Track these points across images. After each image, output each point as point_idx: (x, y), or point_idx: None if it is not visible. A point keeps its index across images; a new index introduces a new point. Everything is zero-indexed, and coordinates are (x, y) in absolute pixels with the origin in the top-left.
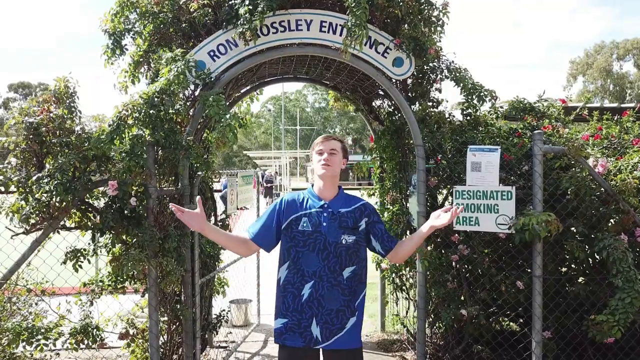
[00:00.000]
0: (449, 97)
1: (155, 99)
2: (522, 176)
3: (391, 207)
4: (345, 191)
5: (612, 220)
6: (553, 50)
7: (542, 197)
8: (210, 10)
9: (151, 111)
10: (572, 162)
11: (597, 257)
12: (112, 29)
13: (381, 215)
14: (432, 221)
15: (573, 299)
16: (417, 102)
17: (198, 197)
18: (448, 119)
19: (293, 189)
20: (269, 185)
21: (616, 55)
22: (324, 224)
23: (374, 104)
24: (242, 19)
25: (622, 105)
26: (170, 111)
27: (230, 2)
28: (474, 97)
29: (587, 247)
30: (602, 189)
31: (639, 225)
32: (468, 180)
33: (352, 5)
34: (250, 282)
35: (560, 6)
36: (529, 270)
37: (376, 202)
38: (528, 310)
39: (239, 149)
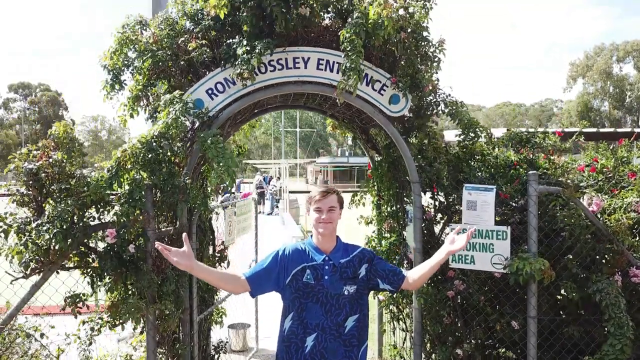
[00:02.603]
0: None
1: (154, 144)
2: (517, 210)
3: (389, 236)
4: (346, 242)
5: (606, 258)
6: (551, 51)
7: (537, 237)
8: (208, 50)
9: (149, 155)
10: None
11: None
12: (111, 66)
13: (379, 244)
14: (448, 246)
15: (567, 340)
16: (413, 136)
17: (184, 235)
18: (444, 147)
19: (291, 192)
20: (259, 191)
21: (616, 58)
22: (326, 277)
23: (371, 132)
24: (239, 59)
25: (619, 131)
26: (168, 154)
27: (228, 41)
28: (469, 132)
29: (581, 287)
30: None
31: (633, 264)
32: (464, 219)
33: (348, 48)
34: (248, 306)
35: (559, 6)
36: (524, 309)
37: (373, 231)
38: (523, 349)
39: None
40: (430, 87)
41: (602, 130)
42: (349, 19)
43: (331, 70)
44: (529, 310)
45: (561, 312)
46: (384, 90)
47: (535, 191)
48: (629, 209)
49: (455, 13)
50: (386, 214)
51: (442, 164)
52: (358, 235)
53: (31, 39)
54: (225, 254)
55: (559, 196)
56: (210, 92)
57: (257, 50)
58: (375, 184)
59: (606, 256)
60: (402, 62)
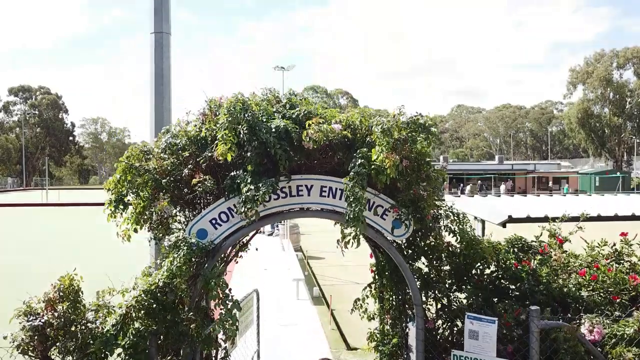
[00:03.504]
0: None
1: (158, 294)
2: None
3: (391, 334)
4: None
5: None
6: (554, 50)
7: None
8: (212, 183)
9: (154, 305)
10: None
11: None
12: (116, 194)
13: (381, 343)
14: None
15: None
16: (416, 253)
17: None
18: (446, 246)
19: None
20: None
21: (616, 64)
22: None
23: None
24: (244, 197)
25: (619, 214)
26: (172, 298)
27: (233, 174)
28: (470, 249)
29: None
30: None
31: None
32: (466, 347)
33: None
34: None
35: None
36: None
37: (376, 328)
38: None
39: None
40: (432, 214)
41: (602, 214)
42: (352, 160)
43: (334, 197)
44: None
45: None
46: (386, 215)
47: (537, 327)
48: (632, 343)
49: (455, 12)
50: (388, 307)
51: (444, 263)
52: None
53: (31, 39)
54: None
55: (560, 329)
56: (214, 222)
57: (261, 192)
58: (377, 278)
59: None
60: (404, 189)
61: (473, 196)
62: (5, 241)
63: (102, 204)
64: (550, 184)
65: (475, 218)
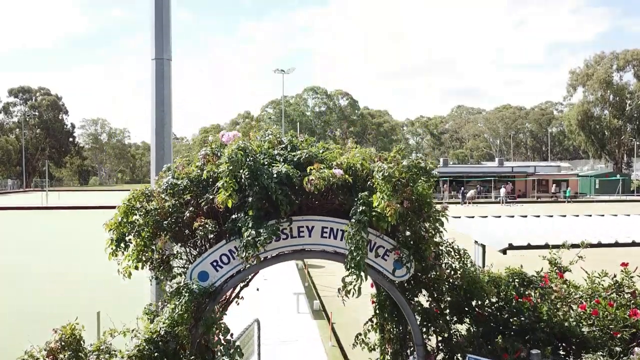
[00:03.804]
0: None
1: (160, 343)
2: None
3: None
4: None
5: None
6: (554, 50)
7: None
8: (213, 226)
9: (156, 354)
10: None
11: None
12: (117, 234)
13: None
14: None
15: None
16: (417, 287)
17: None
18: (446, 278)
19: None
20: None
21: (616, 66)
22: None
23: None
24: (245, 242)
25: (620, 242)
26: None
27: (234, 217)
28: (472, 286)
29: None
30: None
31: None
32: None
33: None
34: None
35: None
36: None
37: (377, 359)
38: None
39: None
40: (433, 255)
41: (604, 242)
42: (353, 203)
43: (335, 238)
44: None
45: None
46: (387, 256)
47: None
48: None
49: (455, 12)
50: (389, 338)
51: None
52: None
53: (31, 39)
54: None
55: None
56: (215, 264)
57: (262, 237)
58: (379, 312)
59: None
60: (405, 230)
61: (473, 201)
62: (5, 241)
63: (102, 207)
64: (553, 187)
65: (476, 242)
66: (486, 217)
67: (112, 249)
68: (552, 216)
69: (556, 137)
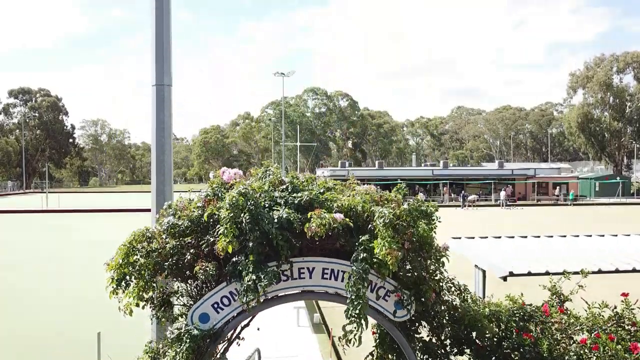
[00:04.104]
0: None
1: None
2: None
3: None
4: None
5: None
6: (554, 50)
7: None
8: (214, 269)
9: None
10: None
11: None
12: (118, 274)
13: None
14: None
15: None
16: (418, 322)
17: None
18: (445, 309)
19: None
20: None
21: (616, 68)
22: None
23: None
24: (245, 286)
25: (620, 269)
26: None
27: (234, 259)
28: (473, 324)
29: None
30: None
31: None
32: None
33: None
34: None
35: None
36: None
37: None
38: None
39: (240, 153)
40: (434, 295)
41: (604, 269)
42: (354, 247)
43: (335, 279)
44: None
45: None
46: (388, 297)
47: None
48: None
49: (455, 12)
50: None
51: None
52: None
53: (30, 39)
54: None
55: None
56: (215, 306)
57: (263, 283)
58: (379, 346)
59: None
60: (407, 266)
61: (473, 204)
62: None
63: (102, 210)
64: (556, 190)
65: (476, 266)
66: (486, 237)
67: (113, 287)
68: (552, 236)
69: (556, 138)
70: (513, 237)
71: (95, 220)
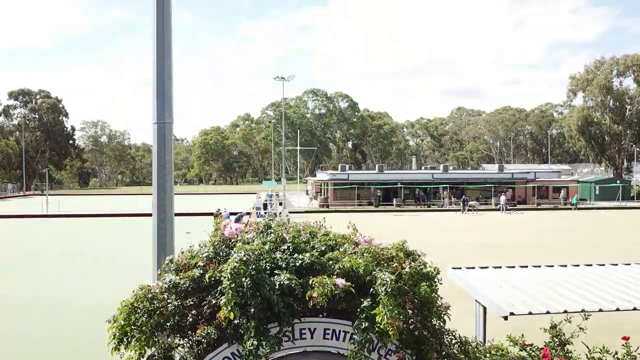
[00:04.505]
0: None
1: None
2: None
3: None
4: None
5: None
6: (554, 50)
7: None
8: (215, 334)
9: None
10: None
11: None
12: (120, 334)
13: None
14: None
15: None
16: None
17: None
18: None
19: (291, 212)
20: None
21: (616, 71)
22: None
23: None
24: (246, 351)
25: (621, 309)
26: None
27: (235, 322)
28: None
29: None
30: None
31: None
32: None
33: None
34: None
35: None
36: None
37: None
38: None
39: (239, 154)
40: (435, 356)
41: (604, 309)
42: (355, 309)
43: (337, 339)
44: None
45: None
46: (390, 356)
47: None
48: None
49: (455, 12)
50: None
51: None
52: None
53: (30, 39)
54: None
55: None
56: None
57: (265, 351)
58: None
59: None
60: (408, 330)
61: (474, 209)
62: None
63: (103, 214)
64: (560, 193)
65: (477, 301)
66: (487, 267)
67: (114, 343)
68: (552, 266)
69: (556, 139)
70: (514, 266)
71: (98, 225)
